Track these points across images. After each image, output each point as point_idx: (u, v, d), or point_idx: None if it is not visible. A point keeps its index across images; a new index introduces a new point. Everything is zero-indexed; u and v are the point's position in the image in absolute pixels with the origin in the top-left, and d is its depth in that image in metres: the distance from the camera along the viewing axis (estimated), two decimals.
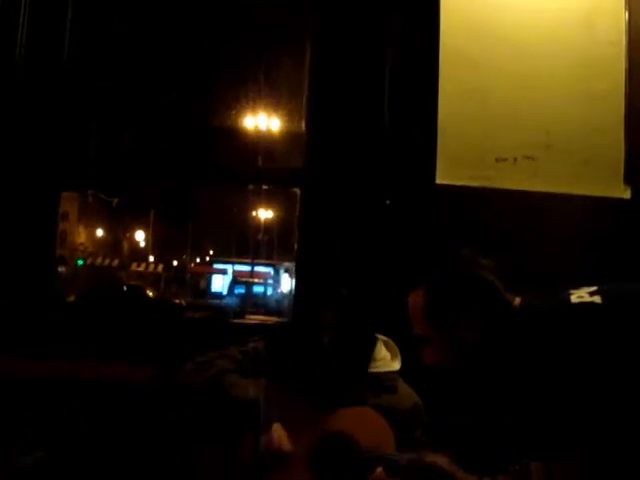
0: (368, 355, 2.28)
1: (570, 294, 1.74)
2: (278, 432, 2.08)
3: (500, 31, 2.93)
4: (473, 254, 1.85)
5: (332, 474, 2.04)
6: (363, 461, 2.01)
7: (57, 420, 2.72)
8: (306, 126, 3.04)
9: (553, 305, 1.74)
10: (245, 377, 2.18)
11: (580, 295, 1.71)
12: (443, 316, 1.78)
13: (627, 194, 2.92)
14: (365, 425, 2.08)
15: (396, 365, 2.30)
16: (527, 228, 2.84)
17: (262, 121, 5.92)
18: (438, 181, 2.84)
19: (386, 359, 2.30)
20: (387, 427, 2.09)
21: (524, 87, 2.92)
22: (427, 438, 2.22)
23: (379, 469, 1.93)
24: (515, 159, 2.89)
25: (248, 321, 4.73)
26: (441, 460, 1.87)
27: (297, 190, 3.09)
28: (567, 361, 1.58)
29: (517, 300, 1.80)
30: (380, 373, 2.27)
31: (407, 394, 2.28)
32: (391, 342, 2.35)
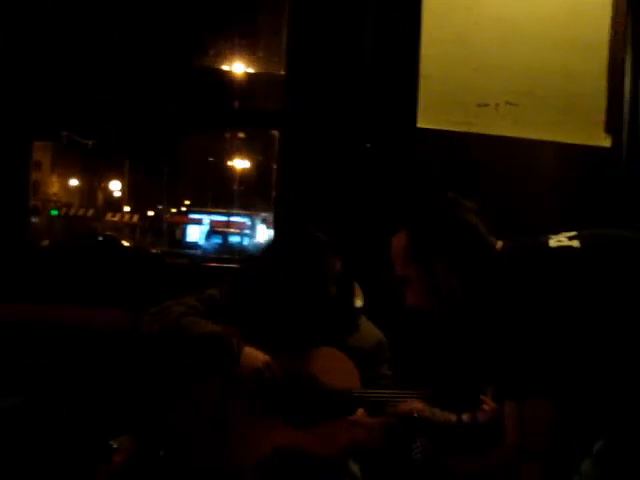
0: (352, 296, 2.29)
1: (549, 238, 1.74)
2: (251, 352, 2.08)
3: None
4: (457, 196, 1.84)
5: (297, 414, 2.06)
6: (342, 402, 2.02)
7: (35, 365, 2.70)
8: (286, 67, 2.98)
9: (532, 249, 1.74)
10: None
11: (559, 240, 1.72)
12: (424, 257, 1.77)
13: (607, 142, 2.92)
14: (329, 365, 2.10)
15: (358, 303, 2.31)
16: (508, 174, 2.84)
17: (240, 63, 5.79)
18: (419, 125, 2.81)
19: None
20: (352, 366, 2.11)
21: (508, 32, 2.88)
22: (392, 373, 2.25)
23: (360, 410, 1.95)
24: (497, 105, 2.87)
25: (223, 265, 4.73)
26: (416, 407, 1.88)
27: (276, 133, 3.06)
28: (543, 303, 1.59)
29: (499, 244, 1.79)
30: None
31: (370, 331, 2.30)
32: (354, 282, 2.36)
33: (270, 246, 2.41)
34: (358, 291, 2.34)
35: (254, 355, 2.08)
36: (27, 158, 3.16)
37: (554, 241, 1.72)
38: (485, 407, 1.86)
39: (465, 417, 1.82)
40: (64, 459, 2.42)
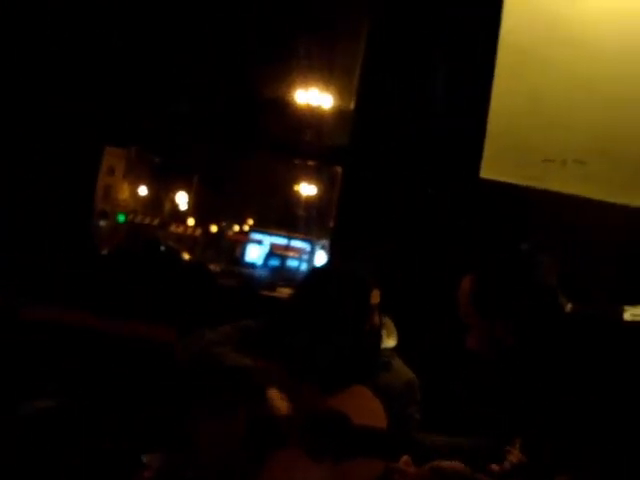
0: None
1: (624, 310, 1.64)
2: (273, 396, 2.07)
3: (566, 28, 2.84)
4: (534, 250, 1.77)
5: (323, 449, 2.01)
6: (387, 444, 1.98)
7: (74, 371, 2.75)
8: (356, 105, 3.01)
9: (605, 319, 1.66)
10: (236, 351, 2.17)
11: (635, 313, 1.62)
12: (486, 309, 1.73)
13: None
14: (357, 403, 2.07)
15: (391, 342, 2.30)
16: (569, 233, 2.78)
17: (313, 96, 5.88)
18: (482, 175, 2.79)
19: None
20: (379, 406, 2.07)
21: (584, 89, 2.84)
22: (421, 416, 2.22)
23: (405, 457, 1.87)
24: (564, 162, 2.82)
25: (278, 294, 4.76)
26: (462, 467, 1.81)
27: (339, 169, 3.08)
28: (612, 379, 1.52)
29: (569, 306, 1.71)
30: None
31: (401, 371, 2.27)
32: (388, 320, 2.34)
33: (305, 281, 2.41)
34: (392, 329, 2.33)
35: (275, 402, 2.07)
36: (97, 162, 3.24)
37: (629, 314, 1.62)
38: (511, 458, 1.78)
39: None
40: (93, 467, 2.45)
